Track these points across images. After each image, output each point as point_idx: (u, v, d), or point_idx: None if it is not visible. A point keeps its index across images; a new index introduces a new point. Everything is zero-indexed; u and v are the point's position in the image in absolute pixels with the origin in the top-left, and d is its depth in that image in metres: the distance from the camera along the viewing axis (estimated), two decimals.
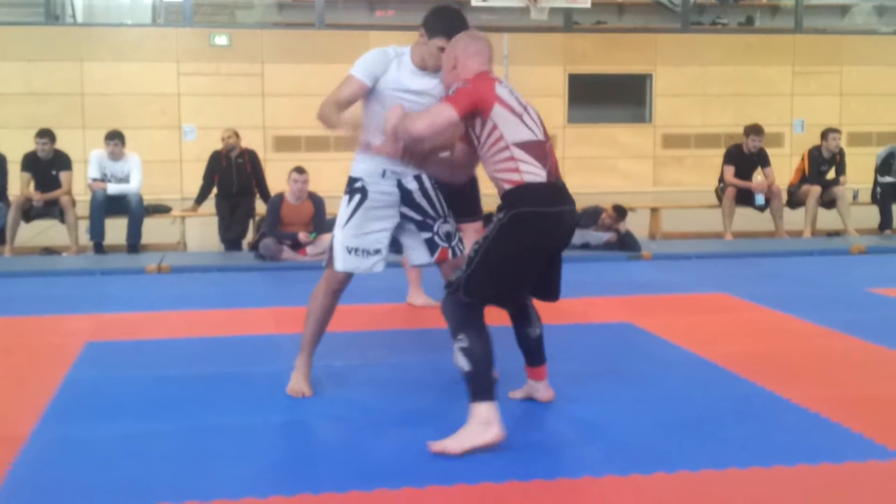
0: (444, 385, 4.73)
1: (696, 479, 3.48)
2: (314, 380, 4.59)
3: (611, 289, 7.55)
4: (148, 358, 5.36)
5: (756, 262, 8.85)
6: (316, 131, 15.90)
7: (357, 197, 4.34)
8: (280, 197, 9.10)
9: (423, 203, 4.37)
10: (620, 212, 9.66)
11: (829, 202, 10.86)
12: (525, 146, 3.79)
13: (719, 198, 11.01)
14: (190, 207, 10.56)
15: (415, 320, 6.34)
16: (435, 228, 4.40)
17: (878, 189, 11.06)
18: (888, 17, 18.60)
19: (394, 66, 4.22)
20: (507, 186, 3.80)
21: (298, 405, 4.40)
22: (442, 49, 4.11)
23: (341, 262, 4.37)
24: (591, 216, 9.80)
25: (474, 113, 3.78)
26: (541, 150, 3.82)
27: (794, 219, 10.95)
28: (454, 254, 4.44)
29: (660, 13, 17.90)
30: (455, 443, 3.63)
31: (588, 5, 14.89)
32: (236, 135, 10.26)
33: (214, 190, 10.24)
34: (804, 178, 10.99)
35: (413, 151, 4.06)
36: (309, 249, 9.01)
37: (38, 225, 10.52)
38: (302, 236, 8.94)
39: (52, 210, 9.95)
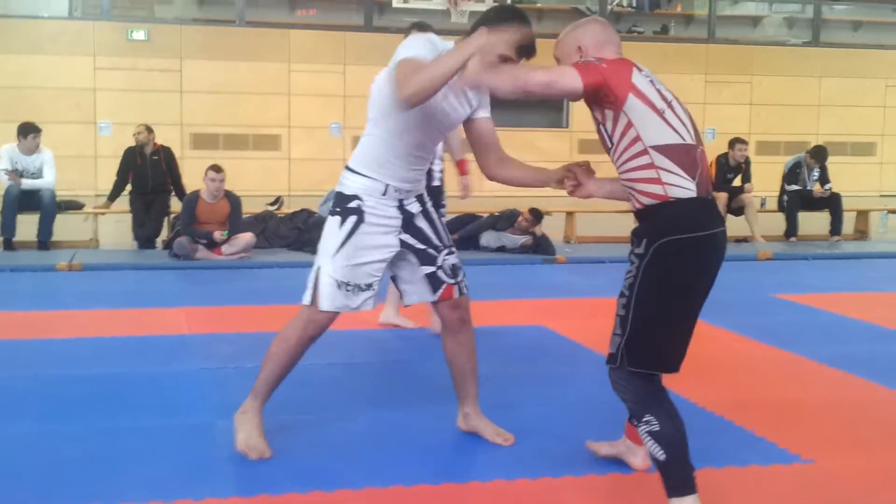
0: (355, 387, 4.75)
1: (604, 482, 3.54)
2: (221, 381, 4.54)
3: (525, 292, 7.62)
4: (56, 358, 5.26)
5: None
6: (234, 129, 15.79)
7: (352, 219, 3.58)
8: (196, 195, 9.01)
9: (426, 228, 3.74)
10: (536, 215, 9.78)
11: (737, 209, 11.10)
12: (668, 151, 3.04)
13: None
14: (103, 204, 10.40)
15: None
16: (439, 261, 3.75)
17: (785, 197, 11.36)
18: (798, 30, 19.07)
19: None
20: (646, 201, 3.07)
21: (207, 407, 4.37)
22: (503, 58, 3.42)
23: (328, 300, 3.60)
24: (508, 219, 9.91)
25: (603, 100, 3.06)
26: (689, 156, 3.07)
27: None
28: (460, 292, 3.80)
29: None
30: None
31: None
32: (148, 130, 10.12)
33: (129, 187, 10.10)
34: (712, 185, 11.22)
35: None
36: (224, 249, 8.95)
37: None
38: (216, 235, 8.87)
39: None
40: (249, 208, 9.96)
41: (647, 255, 3.04)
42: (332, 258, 3.59)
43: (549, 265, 9.22)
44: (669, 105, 3.12)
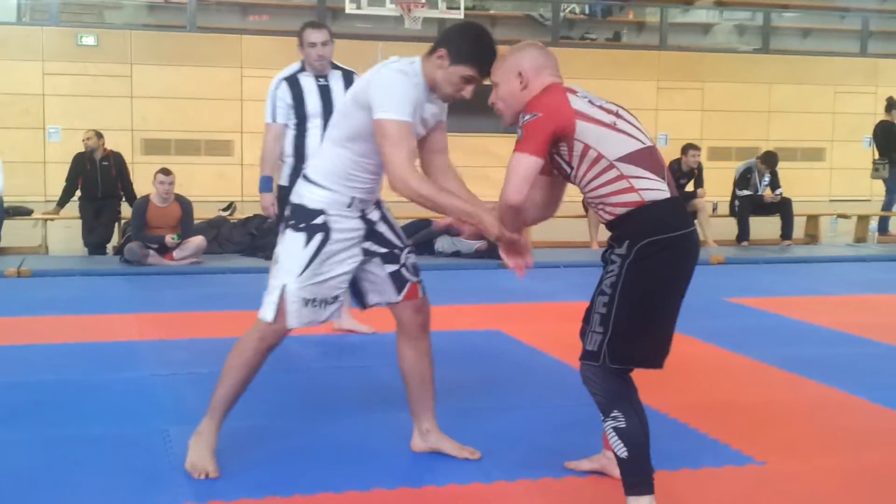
0: (309, 393, 4.72)
1: (559, 486, 3.54)
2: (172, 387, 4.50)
3: (481, 296, 7.63)
4: (4, 364, 5.18)
5: None
6: (186, 135, 15.65)
7: (318, 236, 3.47)
8: (146, 199, 8.93)
9: (387, 232, 3.67)
10: None
11: (690, 214, 11.18)
12: (633, 158, 3.07)
13: (586, 208, 11.24)
14: (52, 210, 10.26)
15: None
16: (402, 259, 3.67)
17: (737, 202, 11.47)
18: (748, 37, 19.28)
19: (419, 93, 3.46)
20: (621, 210, 3.08)
21: (159, 414, 4.31)
22: (467, 80, 3.42)
23: (296, 318, 3.49)
24: None
25: (556, 140, 3.08)
26: (652, 157, 3.12)
27: None
28: (423, 291, 3.73)
29: (531, 27, 18.16)
30: None
31: (461, 17, 15.03)
32: (97, 135, 10.01)
33: (78, 192, 9.98)
34: None
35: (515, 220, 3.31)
36: (175, 253, 8.87)
37: None
38: (167, 238, 8.79)
39: None
40: (202, 214, 9.88)
41: (630, 255, 3.06)
42: (297, 277, 3.46)
43: (504, 270, 9.18)
44: (617, 115, 3.15)
